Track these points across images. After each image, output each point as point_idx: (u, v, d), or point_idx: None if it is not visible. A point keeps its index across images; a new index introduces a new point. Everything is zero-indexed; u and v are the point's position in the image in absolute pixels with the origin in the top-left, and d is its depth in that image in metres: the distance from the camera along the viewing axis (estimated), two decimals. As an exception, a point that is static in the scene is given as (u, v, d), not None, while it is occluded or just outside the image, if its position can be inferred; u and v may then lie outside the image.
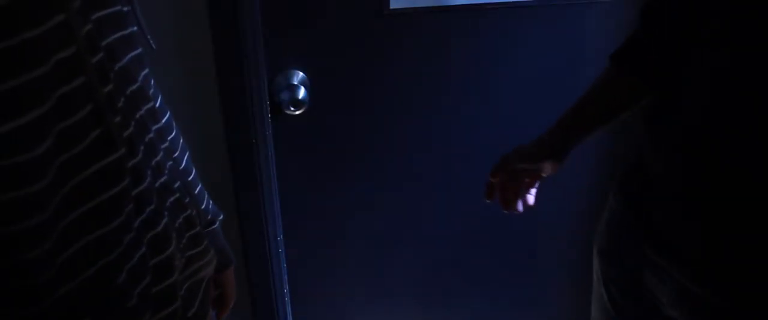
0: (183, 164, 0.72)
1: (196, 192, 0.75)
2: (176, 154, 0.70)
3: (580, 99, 0.93)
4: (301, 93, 1.18)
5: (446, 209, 1.44)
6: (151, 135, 0.59)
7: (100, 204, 0.49)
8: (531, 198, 1.00)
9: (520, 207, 1.00)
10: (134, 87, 0.56)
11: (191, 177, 0.74)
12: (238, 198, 1.23)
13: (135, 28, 0.57)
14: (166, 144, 0.66)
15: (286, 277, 1.38)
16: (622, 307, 0.91)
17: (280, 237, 1.31)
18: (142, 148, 0.56)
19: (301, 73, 1.20)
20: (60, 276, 0.47)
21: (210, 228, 0.77)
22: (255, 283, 1.34)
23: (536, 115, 1.37)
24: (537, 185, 0.99)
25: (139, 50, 0.58)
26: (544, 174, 0.97)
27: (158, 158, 0.61)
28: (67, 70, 0.45)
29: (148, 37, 0.60)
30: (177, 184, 0.66)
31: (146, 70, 0.60)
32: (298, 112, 1.18)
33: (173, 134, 0.70)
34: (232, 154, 1.18)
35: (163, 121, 0.66)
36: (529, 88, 1.32)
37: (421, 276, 1.52)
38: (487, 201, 1.02)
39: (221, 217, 0.78)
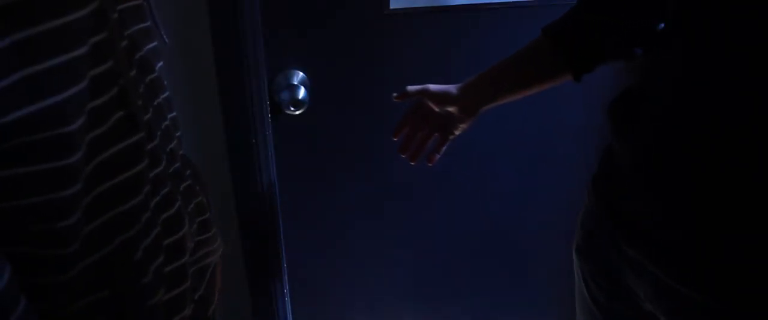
0: None
1: None
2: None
3: (508, 59, 0.94)
4: (301, 93, 1.18)
5: (446, 209, 1.44)
6: (167, 122, 0.63)
7: (121, 182, 0.52)
8: (436, 156, 1.01)
9: (421, 159, 1.02)
10: (152, 76, 0.60)
11: None
12: (238, 198, 1.23)
13: (150, 22, 0.60)
14: (179, 132, 0.68)
15: (286, 277, 1.38)
16: (602, 304, 0.92)
17: (280, 237, 1.32)
18: (158, 133, 0.59)
19: (301, 73, 1.20)
20: (84, 248, 0.50)
21: None
22: (255, 283, 1.34)
23: (535, 115, 1.37)
24: (445, 145, 1.01)
25: (156, 43, 0.61)
26: (455, 131, 0.98)
27: (173, 145, 0.64)
28: (100, 52, 0.48)
29: (161, 31, 0.63)
30: (188, 172, 0.69)
31: (161, 63, 0.63)
32: (298, 112, 1.18)
33: None
34: (232, 154, 1.18)
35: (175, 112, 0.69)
36: (529, 88, 1.32)
37: (421, 276, 1.52)
38: (394, 139, 1.03)
39: (211, 211, 0.81)
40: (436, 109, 0.97)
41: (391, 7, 1.17)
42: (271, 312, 1.39)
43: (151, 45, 0.60)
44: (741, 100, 0.63)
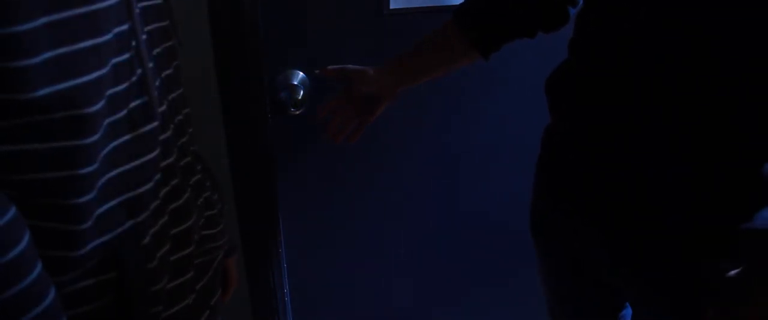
0: None
1: None
2: None
3: (421, 41, 0.99)
4: (301, 93, 1.18)
5: (447, 208, 1.44)
6: (181, 117, 0.65)
7: (134, 168, 0.54)
8: (357, 135, 1.07)
9: (342, 137, 1.08)
10: (168, 72, 0.62)
11: None
12: (238, 198, 1.23)
13: (168, 22, 0.63)
14: (191, 129, 0.70)
15: (286, 277, 1.38)
16: (563, 279, 0.97)
17: (280, 237, 1.32)
18: (172, 126, 0.61)
19: (301, 73, 1.20)
20: (96, 227, 0.52)
21: None
22: (255, 283, 1.34)
23: (535, 114, 1.37)
24: (365, 126, 1.07)
25: (173, 42, 0.64)
26: (376, 111, 1.03)
27: (185, 139, 0.66)
28: (122, 42, 0.51)
29: (178, 32, 0.65)
30: (199, 167, 0.71)
31: (177, 61, 0.66)
32: (298, 112, 1.18)
33: None
34: (232, 154, 1.18)
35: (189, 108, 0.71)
36: (528, 88, 1.32)
37: (422, 276, 1.52)
38: (318, 117, 1.08)
39: (220, 207, 0.82)
40: (357, 91, 1.01)
41: (391, 7, 1.17)
42: (271, 312, 1.39)
43: (168, 43, 0.62)
44: (645, 69, 0.72)
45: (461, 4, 0.95)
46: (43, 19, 0.43)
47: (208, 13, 1.04)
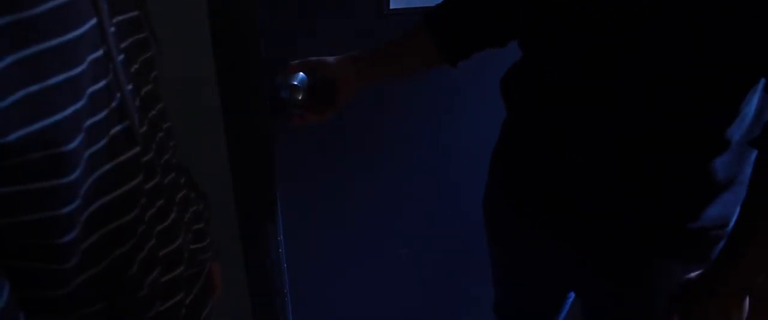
0: None
1: None
2: None
3: (390, 43, 0.99)
4: (301, 93, 1.18)
5: (447, 208, 1.44)
6: (162, 133, 0.62)
7: (118, 197, 0.52)
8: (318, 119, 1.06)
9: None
10: (147, 88, 0.59)
11: None
12: (238, 198, 1.23)
13: (145, 32, 0.60)
14: (173, 142, 0.68)
15: (286, 277, 1.38)
16: (515, 262, 1.08)
17: (280, 238, 1.32)
18: (154, 146, 0.59)
19: (301, 73, 1.20)
20: (82, 263, 0.50)
21: None
22: (255, 283, 1.34)
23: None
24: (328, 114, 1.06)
25: (150, 53, 0.61)
26: (338, 103, 1.03)
27: (167, 156, 0.63)
28: (98, 69, 0.48)
29: (155, 41, 0.62)
30: (183, 180, 0.69)
31: (156, 72, 0.62)
32: (298, 112, 1.18)
33: None
34: (232, 154, 1.18)
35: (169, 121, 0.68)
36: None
37: (422, 276, 1.52)
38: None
39: (207, 218, 0.81)
40: (319, 77, 1.01)
41: (391, 7, 1.17)
42: (271, 312, 1.39)
43: (146, 55, 0.59)
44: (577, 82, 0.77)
45: (433, 9, 0.94)
46: (10, 58, 0.40)
47: (208, 13, 1.04)
